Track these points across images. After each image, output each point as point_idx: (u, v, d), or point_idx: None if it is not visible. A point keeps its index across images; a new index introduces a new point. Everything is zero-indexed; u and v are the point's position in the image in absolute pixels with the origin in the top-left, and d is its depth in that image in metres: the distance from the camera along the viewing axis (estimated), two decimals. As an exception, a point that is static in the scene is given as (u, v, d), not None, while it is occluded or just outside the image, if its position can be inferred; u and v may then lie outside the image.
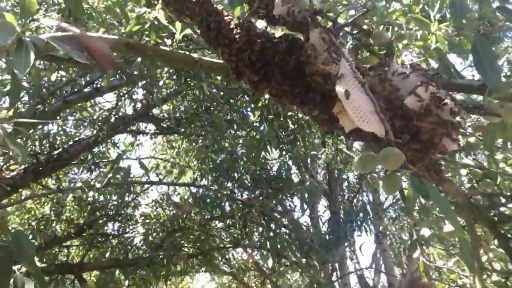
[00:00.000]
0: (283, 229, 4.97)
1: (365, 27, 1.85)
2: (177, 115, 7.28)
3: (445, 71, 1.75)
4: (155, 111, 7.73)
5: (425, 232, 3.21)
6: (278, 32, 1.98)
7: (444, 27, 2.82)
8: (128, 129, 7.19)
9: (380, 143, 1.54)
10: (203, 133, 5.78)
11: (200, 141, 6.32)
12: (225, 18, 1.98)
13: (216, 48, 1.99)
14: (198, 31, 2.10)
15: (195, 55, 2.93)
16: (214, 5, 2.02)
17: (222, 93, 5.16)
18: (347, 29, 2.09)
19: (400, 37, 2.47)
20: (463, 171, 2.59)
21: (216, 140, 5.39)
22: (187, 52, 2.92)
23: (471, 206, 1.78)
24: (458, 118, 1.63)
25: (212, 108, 5.50)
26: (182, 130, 7.17)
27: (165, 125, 7.86)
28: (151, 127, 8.47)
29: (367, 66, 1.75)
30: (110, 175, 3.63)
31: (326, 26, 1.69)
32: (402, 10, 2.32)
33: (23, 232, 1.59)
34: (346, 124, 1.48)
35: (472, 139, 1.97)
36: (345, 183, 9.13)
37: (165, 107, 7.89)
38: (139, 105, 6.87)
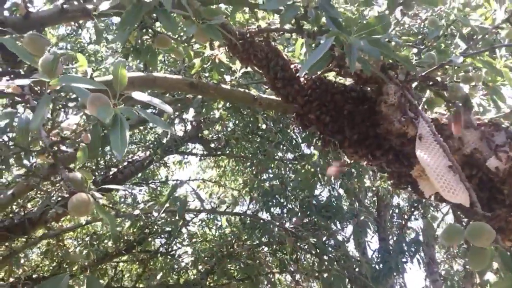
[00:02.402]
0: (335, 265, 4.85)
1: (438, 79, 1.79)
2: (225, 133, 7.33)
3: (528, 127, 1.66)
4: (204, 131, 7.84)
5: (490, 276, 3.03)
6: (347, 81, 1.96)
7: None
8: (178, 150, 7.35)
9: (463, 208, 1.48)
10: (254, 161, 5.79)
11: (248, 165, 6.33)
12: (292, 67, 1.99)
13: (281, 96, 1.99)
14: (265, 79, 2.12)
15: (254, 93, 2.96)
16: (282, 54, 2.03)
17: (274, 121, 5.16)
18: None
19: (468, 79, 2.38)
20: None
21: (267, 168, 5.38)
22: (246, 91, 2.96)
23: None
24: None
25: (264, 135, 5.50)
26: (228, 150, 7.24)
27: (213, 146, 7.96)
28: (199, 147, 8.62)
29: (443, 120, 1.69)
30: (167, 205, 3.71)
31: (400, 80, 1.65)
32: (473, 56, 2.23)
33: (97, 280, 1.65)
34: (426, 190, 1.42)
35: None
36: (395, 209, 8.83)
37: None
38: (189, 126, 7.00)
